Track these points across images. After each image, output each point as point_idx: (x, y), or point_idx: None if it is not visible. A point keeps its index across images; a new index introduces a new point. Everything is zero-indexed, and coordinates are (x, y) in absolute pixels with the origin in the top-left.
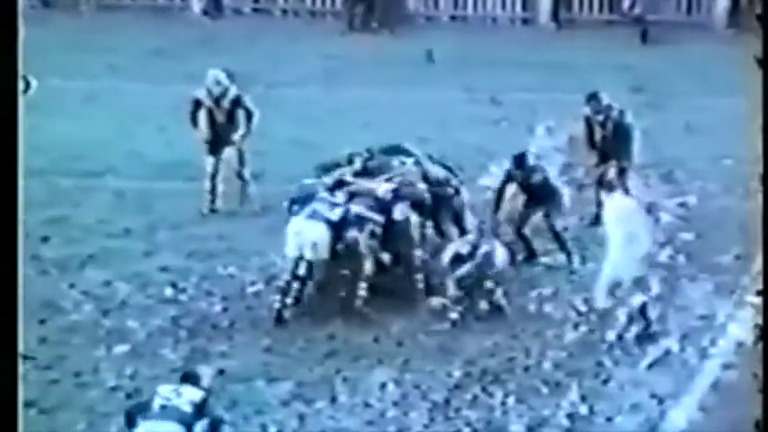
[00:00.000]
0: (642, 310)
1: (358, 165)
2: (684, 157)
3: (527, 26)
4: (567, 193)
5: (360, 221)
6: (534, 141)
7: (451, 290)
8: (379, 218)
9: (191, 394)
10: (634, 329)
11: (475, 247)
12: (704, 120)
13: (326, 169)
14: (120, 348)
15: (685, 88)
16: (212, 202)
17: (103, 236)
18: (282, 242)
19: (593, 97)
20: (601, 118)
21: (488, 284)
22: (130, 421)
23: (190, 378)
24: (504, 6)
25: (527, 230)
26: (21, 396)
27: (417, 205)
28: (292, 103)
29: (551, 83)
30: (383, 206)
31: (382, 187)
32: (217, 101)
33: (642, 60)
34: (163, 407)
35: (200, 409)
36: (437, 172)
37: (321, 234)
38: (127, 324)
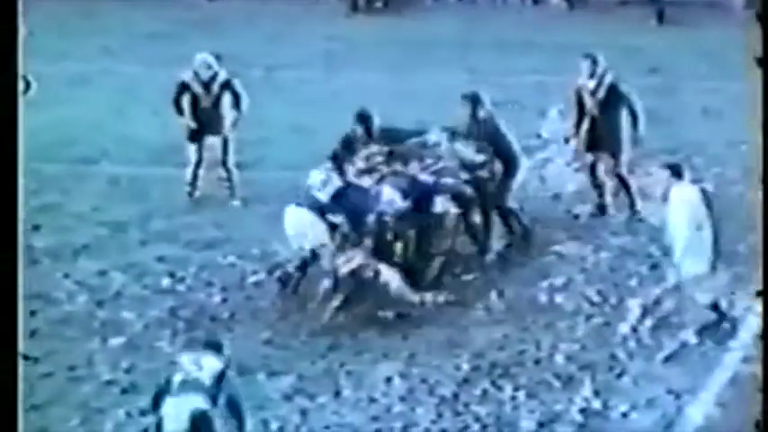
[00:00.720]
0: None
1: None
2: (701, 143)
3: (538, 6)
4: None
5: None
6: (546, 125)
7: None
8: (404, 204)
9: (211, 365)
10: (649, 323)
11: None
12: (722, 104)
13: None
14: (116, 341)
15: (702, 70)
16: (192, 190)
17: (97, 224)
18: (283, 230)
19: (589, 56)
20: (592, 85)
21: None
22: (157, 402)
23: (212, 346)
24: None
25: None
26: (21, 394)
27: (456, 197)
28: (293, 86)
29: (564, 65)
30: (420, 193)
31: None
32: (205, 86)
33: (658, 41)
34: (184, 382)
35: (220, 381)
36: (474, 155)
37: (310, 221)
38: (122, 315)
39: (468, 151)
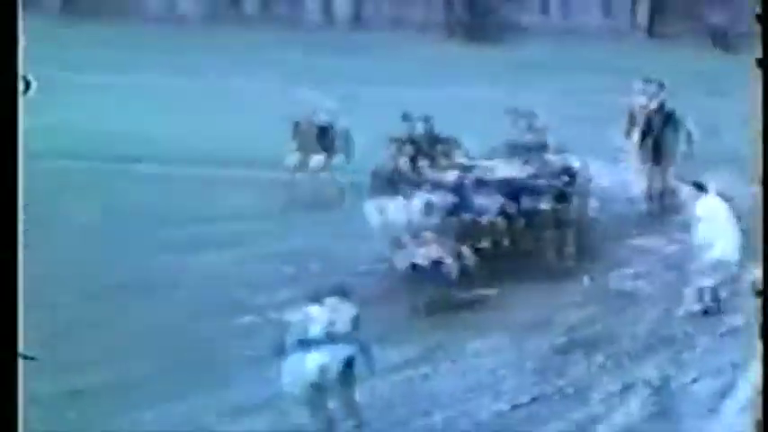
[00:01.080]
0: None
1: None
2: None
3: (621, 34)
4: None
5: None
6: (625, 139)
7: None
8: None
9: (346, 312)
10: (705, 305)
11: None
12: None
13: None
14: (244, 319)
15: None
16: (305, 192)
17: (221, 220)
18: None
19: (648, 79)
20: (644, 100)
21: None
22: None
23: (338, 291)
24: (601, 15)
25: None
26: (21, 392)
27: (550, 195)
28: (391, 105)
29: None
30: (516, 191)
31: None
32: (316, 124)
33: (721, 66)
34: (320, 339)
35: (356, 325)
36: (567, 159)
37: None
38: (251, 299)
39: (562, 156)
